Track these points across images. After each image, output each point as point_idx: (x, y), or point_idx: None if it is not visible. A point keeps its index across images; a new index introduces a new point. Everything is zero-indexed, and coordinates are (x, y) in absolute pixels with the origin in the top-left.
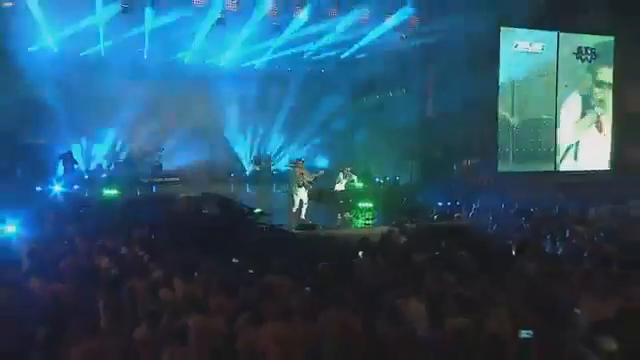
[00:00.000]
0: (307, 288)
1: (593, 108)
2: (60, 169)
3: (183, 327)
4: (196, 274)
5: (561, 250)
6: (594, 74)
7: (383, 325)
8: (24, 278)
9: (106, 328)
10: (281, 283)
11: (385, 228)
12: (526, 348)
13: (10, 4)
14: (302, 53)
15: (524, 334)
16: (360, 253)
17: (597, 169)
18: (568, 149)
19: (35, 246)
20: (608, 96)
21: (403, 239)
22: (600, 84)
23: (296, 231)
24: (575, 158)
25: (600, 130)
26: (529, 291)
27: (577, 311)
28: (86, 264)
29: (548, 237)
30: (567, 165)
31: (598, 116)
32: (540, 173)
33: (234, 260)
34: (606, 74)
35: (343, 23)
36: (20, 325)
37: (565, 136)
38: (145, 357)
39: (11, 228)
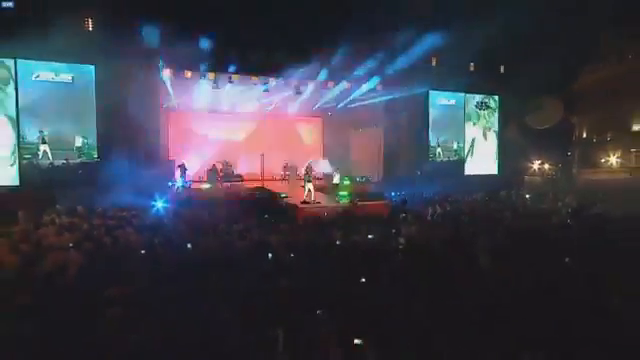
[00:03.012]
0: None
1: (487, 137)
2: (178, 173)
3: (241, 237)
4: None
5: (430, 214)
6: (488, 117)
7: (319, 236)
8: (170, 223)
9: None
10: (284, 226)
11: (345, 204)
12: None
13: (10, 4)
14: (315, 104)
15: (370, 238)
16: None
17: (489, 173)
18: (472, 160)
19: (174, 211)
20: (496, 130)
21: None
22: (492, 123)
23: (299, 205)
24: (476, 164)
25: (491, 150)
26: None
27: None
28: (193, 216)
29: (429, 209)
30: (470, 170)
31: (490, 141)
32: (452, 175)
33: (265, 216)
34: (495, 117)
35: (337, 88)
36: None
37: (470, 152)
38: (223, 246)
39: (160, 203)
